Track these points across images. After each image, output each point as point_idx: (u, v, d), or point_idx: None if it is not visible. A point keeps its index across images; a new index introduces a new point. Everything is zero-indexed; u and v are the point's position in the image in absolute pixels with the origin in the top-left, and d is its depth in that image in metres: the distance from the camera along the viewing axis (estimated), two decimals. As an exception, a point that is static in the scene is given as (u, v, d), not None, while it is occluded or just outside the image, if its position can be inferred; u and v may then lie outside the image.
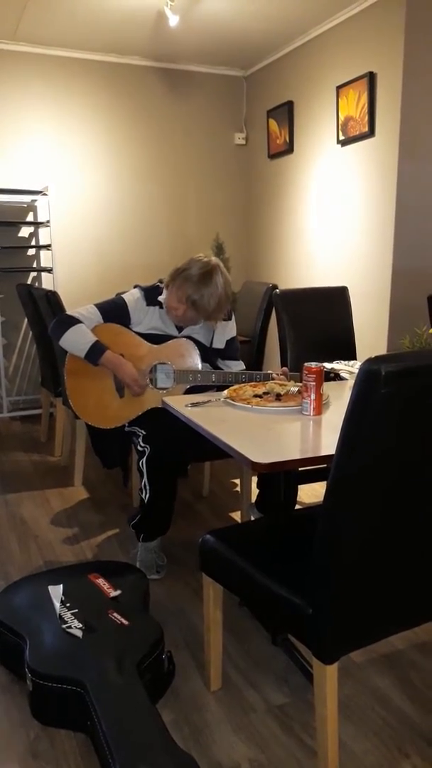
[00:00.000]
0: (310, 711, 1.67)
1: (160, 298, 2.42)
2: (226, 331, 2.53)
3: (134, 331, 2.42)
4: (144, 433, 2.29)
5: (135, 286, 2.48)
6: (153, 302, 2.42)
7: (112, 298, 2.45)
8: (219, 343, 2.51)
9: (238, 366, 2.56)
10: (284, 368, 2.31)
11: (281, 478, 2.32)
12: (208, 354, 2.48)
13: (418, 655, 1.92)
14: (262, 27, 4.09)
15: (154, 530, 2.40)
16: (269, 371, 2.30)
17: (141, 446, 2.28)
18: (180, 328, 2.45)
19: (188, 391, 2.37)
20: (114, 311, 2.39)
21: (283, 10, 3.81)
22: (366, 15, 3.69)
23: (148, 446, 2.25)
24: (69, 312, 2.37)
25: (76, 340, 2.30)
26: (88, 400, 2.40)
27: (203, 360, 2.42)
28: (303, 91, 4.36)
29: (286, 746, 1.57)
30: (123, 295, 2.43)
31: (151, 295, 2.43)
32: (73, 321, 2.32)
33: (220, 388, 2.24)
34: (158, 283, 2.46)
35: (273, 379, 2.25)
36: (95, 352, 2.29)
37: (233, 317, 2.56)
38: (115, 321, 2.39)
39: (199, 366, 2.38)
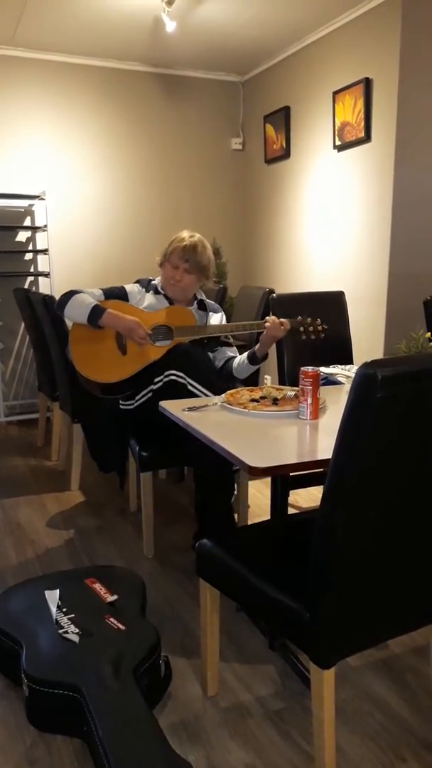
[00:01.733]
0: (307, 716, 1.67)
1: (155, 283, 2.66)
2: (217, 322, 2.70)
3: None
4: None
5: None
6: (148, 288, 2.66)
7: (113, 285, 2.66)
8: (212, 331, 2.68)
9: (232, 350, 2.68)
10: (273, 317, 2.43)
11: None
12: (204, 339, 2.62)
13: (416, 660, 1.92)
14: (258, 33, 4.11)
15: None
16: (263, 320, 2.43)
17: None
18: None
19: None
20: (115, 294, 2.61)
21: (280, 16, 3.83)
22: (362, 21, 3.71)
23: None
24: (72, 288, 2.55)
25: (78, 307, 2.47)
26: (94, 361, 2.53)
27: (198, 345, 2.59)
28: (300, 97, 4.37)
29: (283, 751, 1.57)
30: (123, 285, 2.66)
31: (145, 283, 2.68)
32: (75, 292, 2.51)
33: (216, 340, 2.59)
34: (150, 278, 2.71)
35: (266, 326, 2.39)
36: (96, 313, 2.45)
37: (222, 311, 2.76)
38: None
39: (194, 323, 2.58)
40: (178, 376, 2.37)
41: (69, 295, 2.49)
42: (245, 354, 2.56)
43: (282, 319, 2.40)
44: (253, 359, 2.52)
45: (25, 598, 1.98)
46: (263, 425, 1.77)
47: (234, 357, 2.63)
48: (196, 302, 2.69)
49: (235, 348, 2.69)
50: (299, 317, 2.44)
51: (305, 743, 1.59)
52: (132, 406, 2.57)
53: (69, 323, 2.61)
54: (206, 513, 2.40)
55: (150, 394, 2.45)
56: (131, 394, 2.56)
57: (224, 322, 2.73)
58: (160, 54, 4.50)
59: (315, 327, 2.43)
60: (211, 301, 2.77)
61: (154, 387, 2.43)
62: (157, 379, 2.43)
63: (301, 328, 2.43)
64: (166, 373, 2.41)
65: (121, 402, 2.62)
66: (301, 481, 2.48)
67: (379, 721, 1.67)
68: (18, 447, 4.11)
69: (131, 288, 2.64)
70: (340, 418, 1.16)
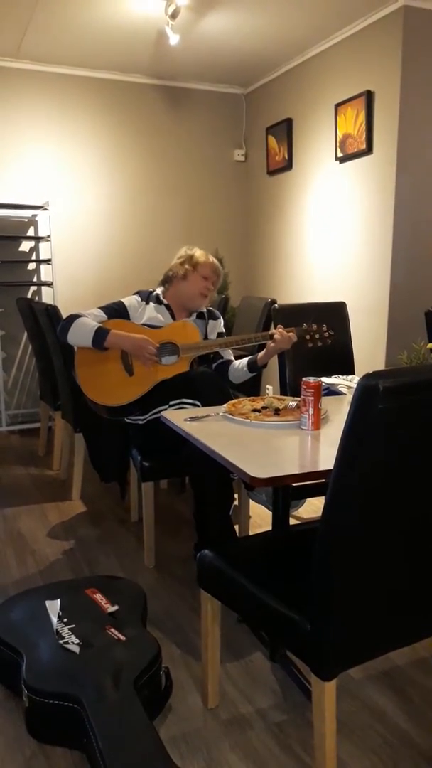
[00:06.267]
0: (309, 728, 1.66)
1: (157, 293, 2.66)
2: (216, 327, 2.73)
3: None
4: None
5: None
6: (148, 300, 2.64)
7: (112, 302, 2.64)
8: (212, 336, 2.71)
9: (227, 353, 2.70)
10: (279, 326, 2.45)
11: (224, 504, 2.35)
12: (209, 354, 2.65)
13: (418, 672, 1.91)
14: (261, 46, 4.14)
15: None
16: (270, 332, 2.45)
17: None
18: (175, 319, 2.65)
19: (192, 363, 2.54)
20: (116, 311, 2.58)
21: (283, 29, 3.87)
22: (364, 35, 3.74)
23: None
24: (73, 312, 2.53)
25: (81, 331, 2.45)
26: (102, 385, 2.51)
27: (203, 358, 2.61)
28: (302, 109, 4.40)
29: (284, 764, 1.56)
30: (122, 299, 2.64)
31: (145, 294, 2.66)
32: (76, 316, 2.48)
33: (218, 356, 2.62)
34: (151, 289, 2.70)
35: (273, 336, 2.40)
36: (100, 336, 2.43)
37: (220, 316, 2.78)
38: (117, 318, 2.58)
39: (199, 338, 2.58)
40: (193, 404, 2.37)
41: (70, 320, 2.46)
42: (245, 360, 2.56)
43: (289, 331, 2.40)
44: (252, 367, 2.52)
45: (26, 608, 1.97)
46: (265, 436, 1.77)
47: (229, 360, 2.64)
48: (195, 313, 2.69)
49: (229, 351, 2.70)
50: (305, 324, 2.43)
51: (306, 756, 1.58)
52: (142, 422, 2.57)
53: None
54: (204, 520, 2.39)
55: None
56: (140, 412, 2.56)
57: (222, 326, 2.74)
58: (163, 66, 4.54)
59: (322, 333, 2.42)
60: (209, 308, 2.77)
61: (166, 408, 2.43)
62: (172, 402, 2.43)
63: (308, 336, 2.42)
64: (181, 400, 2.40)
65: (128, 417, 2.62)
66: (303, 493, 2.47)
67: (380, 733, 1.66)
68: (20, 456, 4.11)
69: (130, 302, 2.61)
70: (341, 428, 1.16)
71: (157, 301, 2.63)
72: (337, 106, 3.95)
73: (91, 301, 4.64)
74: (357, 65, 3.81)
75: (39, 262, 4.64)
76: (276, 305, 2.95)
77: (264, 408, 2.01)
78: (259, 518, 3.00)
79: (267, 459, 1.60)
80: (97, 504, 3.28)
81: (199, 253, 2.62)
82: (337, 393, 2.39)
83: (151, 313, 2.60)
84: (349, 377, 2.62)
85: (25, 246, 4.64)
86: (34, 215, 4.61)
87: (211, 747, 1.62)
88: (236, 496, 2.64)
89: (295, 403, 2.02)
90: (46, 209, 4.43)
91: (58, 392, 3.54)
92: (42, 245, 4.64)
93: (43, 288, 4.67)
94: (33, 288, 4.68)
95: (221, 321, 2.76)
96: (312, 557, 1.28)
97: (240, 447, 1.67)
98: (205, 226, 5.13)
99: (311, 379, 1.81)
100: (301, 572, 1.39)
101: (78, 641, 1.77)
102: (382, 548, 1.28)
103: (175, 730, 1.67)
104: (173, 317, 2.61)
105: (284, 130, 4.57)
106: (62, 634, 1.81)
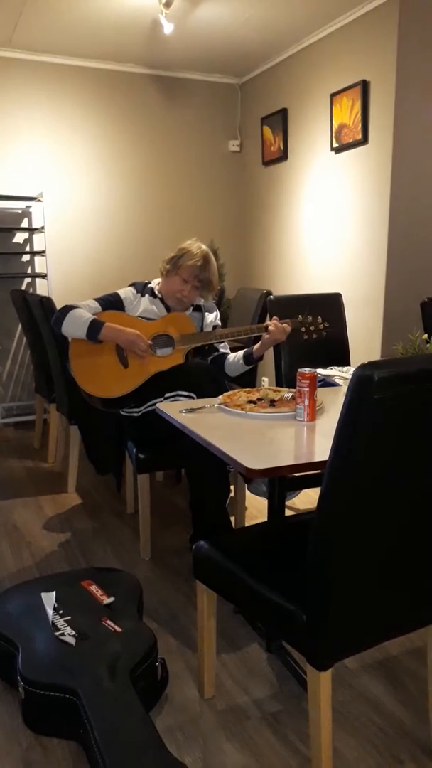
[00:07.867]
0: (304, 718, 1.66)
1: (152, 286, 2.64)
2: (212, 320, 2.72)
3: None
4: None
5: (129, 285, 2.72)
6: (143, 292, 2.63)
7: (108, 293, 2.63)
8: (208, 329, 2.69)
9: (223, 347, 2.70)
10: (275, 318, 2.44)
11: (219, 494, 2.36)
12: (204, 346, 2.64)
13: (412, 661, 1.92)
14: (256, 35, 4.11)
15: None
16: (265, 324, 2.45)
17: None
18: (170, 312, 2.63)
19: (187, 355, 2.53)
20: (111, 303, 2.58)
21: (277, 18, 3.84)
22: (359, 24, 3.72)
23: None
24: (68, 303, 2.52)
25: (76, 323, 2.44)
26: (95, 376, 2.51)
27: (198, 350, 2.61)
28: (297, 99, 4.38)
29: (280, 754, 1.57)
30: (117, 291, 2.64)
31: (141, 286, 2.66)
32: (71, 308, 2.48)
33: (212, 348, 2.62)
34: (146, 281, 2.70)
35: (267, 328, 2.40)
36: (94, 328, 2.43)
37: (216, 309, 2.78)
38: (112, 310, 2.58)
39: (194, 330, 2.57)
40: (188, 396, 2.37)
41: (65, 311, 2.46)
42: (240, 353, 2.56)
43: (284, 322, 2.39)
44: (248, 360, 2.52)
45: (22, 600, 1.97)
46: (260, 427, 1.77)
47: (225, 354, 2.64)
48: (192, 305, 2.68)
49: (225, 344, 2.69)
50: (299, 317, 2.42)
51: (302, 745, 1.59)
52: (137, 414, 2.57)
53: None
54: (200, 511, 2.39)
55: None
56: (135, 404, 2.55)
57: (218, 319, 2.74)
58: (157, 56, 4.51)
59: (317, 326, 2.41)
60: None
61: (162, 400, 2.42)
62: (167, 394, 2.43)
63: (303, 328, 2.41)
64: (176, 392, 2.40)
65: (123, 409, 2.61)
66: (299, 483, 2.47)
67: (376, 723, 1.67)
68: (15, 449, 4.10)
69: (126, 294, 2.61)
70: (337, 419, 1.16)
71: (152, 293, 2.62)
72: (333, 95, 3.93)
73: (85, 292, 4.61)
74: (352, 55, 3.79)
75: (33, 253, 4.61)
76: (271, 297, 2.94)
77: (259, 399, 2.00)
78: (255, 510, 3.01)
79: (263, 450, 1.60)
80: (93, 496, 3.28)
81: (190, 254, 2.52)
82: (333, 384, 2.39)
83: (146, 305, 2.59)
84: (345, 368, 2.62)
85: (19, 237, 4.61)
86: (28, 206, 4.58)
87: (207, 737, 1.62)
88: (232, 488, 2.65)
89: (290, 395, 2.02)
90: (39, 200, 4.40)
91: (52, 384, 3.53)
92: (36, 236, 4.62)
93: (38, 280, 4.64)
94: (27, 280, 4.66)
95: (217, 314, 2.75)
96: (308, 548, 1.28)
97: (235, 438, 1.67)
98: (199, 217, 5.10)
99: (307, 370, 1.81)
100: (297, 563, 1.39)
101: (74, 633, 1.78)
102: (377, 538, 1.28)
103: (172, 721, 1.68)
104: (167, 309, 2.60)
105: (279, 121, 4.54)
106: (58, 626, 1.81)
